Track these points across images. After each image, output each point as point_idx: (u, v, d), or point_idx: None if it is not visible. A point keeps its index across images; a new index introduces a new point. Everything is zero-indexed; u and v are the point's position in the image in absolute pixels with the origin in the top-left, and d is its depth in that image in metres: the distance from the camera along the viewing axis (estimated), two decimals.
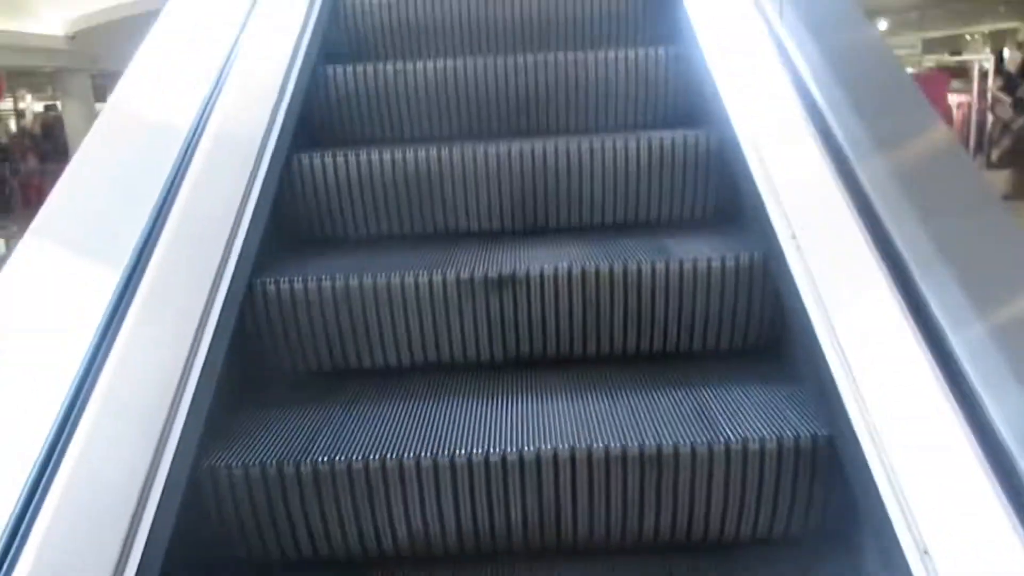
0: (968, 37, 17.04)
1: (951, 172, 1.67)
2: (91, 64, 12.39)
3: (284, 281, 1.83)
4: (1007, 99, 9.57)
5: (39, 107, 18.38)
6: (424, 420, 1.61)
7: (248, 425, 1.65)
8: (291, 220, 2.22)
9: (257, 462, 1.48)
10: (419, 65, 2.50)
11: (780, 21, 2.15)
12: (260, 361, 1.88)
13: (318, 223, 2.23)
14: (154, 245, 1.63)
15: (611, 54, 2.49)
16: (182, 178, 1.82)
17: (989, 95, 10.09)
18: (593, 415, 1.59)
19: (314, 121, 2.52)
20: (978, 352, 1.25)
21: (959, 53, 16.34)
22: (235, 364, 1.78)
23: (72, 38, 10.57)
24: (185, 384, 1.50)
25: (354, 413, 1.67)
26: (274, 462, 1.47)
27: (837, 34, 2.06)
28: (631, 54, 2.49)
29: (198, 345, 1.58)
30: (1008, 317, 1.32)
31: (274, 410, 1.71)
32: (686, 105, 2.51)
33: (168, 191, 1.75)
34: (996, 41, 15.58)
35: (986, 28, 16.00)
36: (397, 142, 2.49)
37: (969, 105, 10.40)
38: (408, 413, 1.64)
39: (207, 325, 1.64)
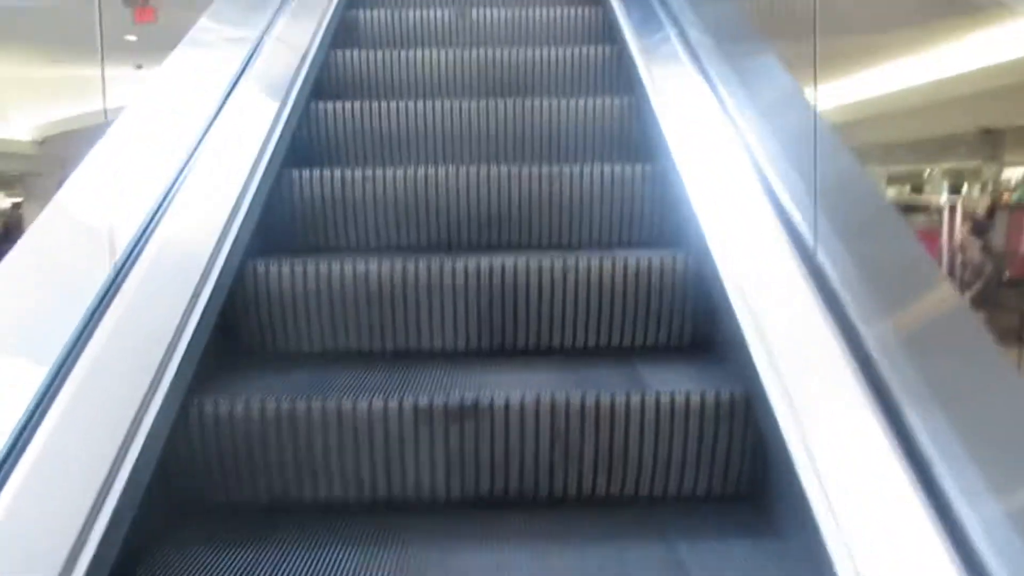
0: (927, 172, 17.71)
1: (940, 304, 1.60)
2: (60, 169, 12.32)
3: (223, 402, 1.66)
4: (977, 242, 9.60)
5: (7, 203, 18.22)
6: (368, 573, 1.42)
7: (163, 564, 1.45)
8: (239, 332, 2.07)
9: None
10: (388, 172, 2.42)
11: (758, 143, 2.12)
12: (189, 491, 1.69)
13: (270, 336, 2.08)
14: (78, 354, 1.47)
15: (586, 169, 2.42)
16: (122, 279, 1.68)
17: (958, 237, 10.18)
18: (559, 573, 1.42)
19: (272, 226, 2.40)
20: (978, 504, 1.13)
21: (920, 189, 16.97)
22: (160, 494, 1.59)
23: (40, 143, 10.59)
24: (96, 516, 1.32)
25: (285, 561, 1.47)
26: None
27: (823, 165, 2.01)
28: (607, 170, 2.43)
29: (118, 469, 1.40)
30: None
31: (197, 550, 1.51)
32: (662, 225, 2.44)
33: (103, 296, 1.61)
34: (954, 177, 16.18)
35: (947, 165, 16.64)
36: (361, 251, 2.38)
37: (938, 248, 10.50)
38: (347, 564, 1.45)
39: (130, 448, 1.45)
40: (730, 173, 2.13)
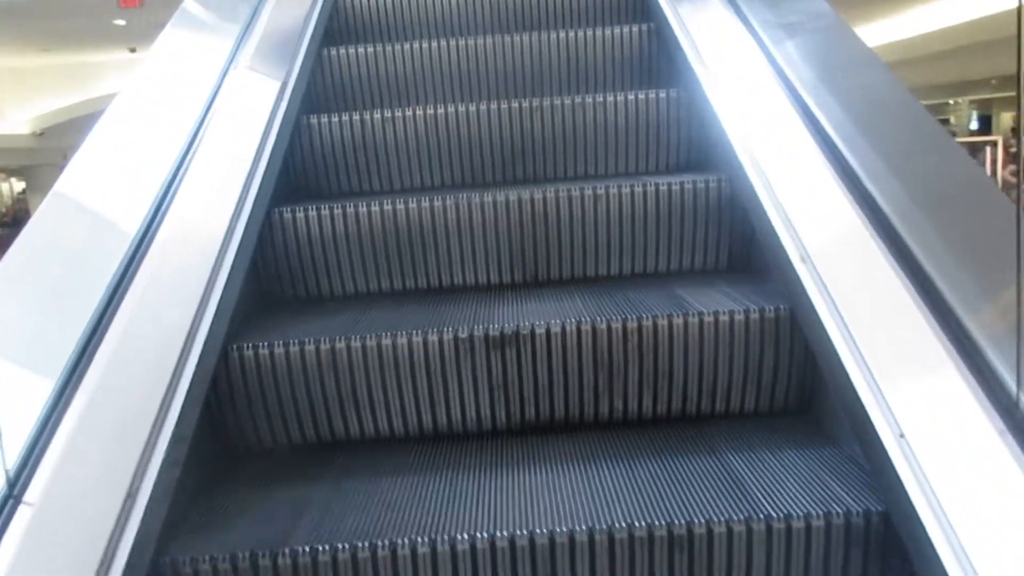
0: (951, 102, 17.27)
1: (991, 210, 1.53)
2: (62, 159, 12.26)
3: (263, 346, 1.65)
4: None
5: (20, 186, 18.30)
6: (419, 499, 1.42)
7: (223, 506, 1.46)
8: (271, 279, 2.06)
9: (227, 556, 1.28)
10: (408, 113, 2.37)
11: (787, 64, 2.04)
12: (237, 434, 1.69)
13: (301, 282, 2.07)
14: (119, 303, 1.46)
15: (610, 97, 2.37)
16: (154, 232, 1.66)
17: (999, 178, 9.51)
18: (611, 489, 1.40)
19: (295, 174, 2.37)
20: None
21: (946, 121, 16.44)
22: (209, 437, 1.60)
23: (40, 135, 10.49)
24: (149, 458, 1.32)
25: (340, 493, 1.47)
26: (247, 554, 1.28)
27: (850, 77, 1.94)
28: (631, 97, 2.37)
29: (164, 415, 1.40)
30: None
31: (251, 489, 1.52)
32: (691, 151, 2.39)
33: (136, 248, 1.59)
34: (982, 107, 15.71)
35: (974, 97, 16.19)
36: (385, 194, 2.35)
37: None
38: (401, 491, 1.45)
39: (175, 394, 1.45)
40: (761, 94, 2.06)
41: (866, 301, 1.48)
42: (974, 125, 17.17)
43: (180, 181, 1.81)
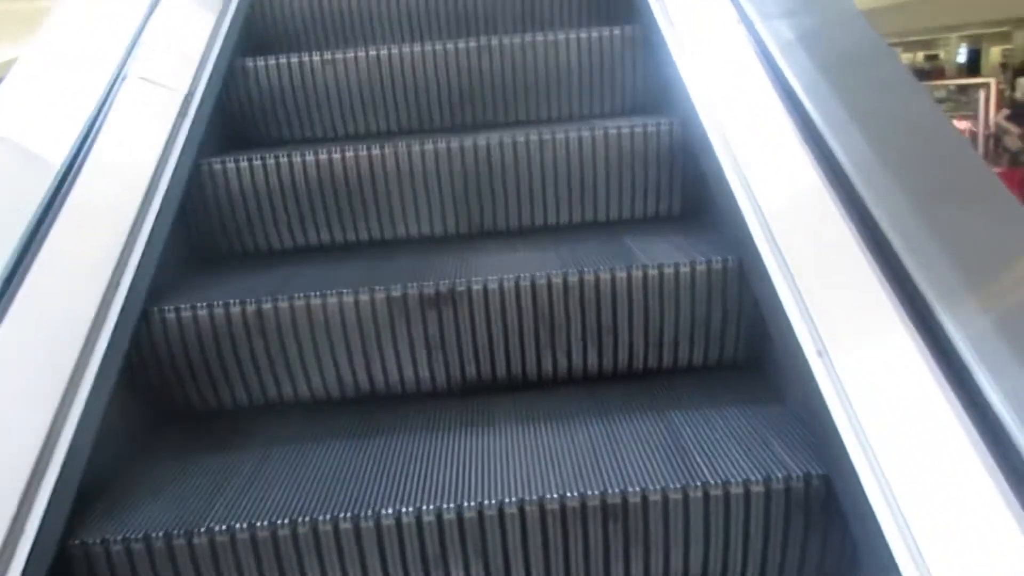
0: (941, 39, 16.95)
1: (950, 158, 1.45)
2: None
3: (186, 308, 1.56)
4: (1016, 130, 8.53)
5: None
6: (345, 469, 1.36)
7: (132, 479, 1.39)
8: (202, 235, 1.96)
9: (139, 536, 1.21)
10: (349, 55, 2.24)
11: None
12: (156, 398, 1.61)
13: (236, 237, 1.97)
14: (30, 262, 1.36)
15: (560, 36, 2.25)
16: (70, 183, 1.55)
17: (992, 123, 8.97)
18: (548, 454, 1.35)
19: (229, 121, 2.25)
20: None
21: (935, 56, 16.04)
22: (125, 403, 1.51)
23: None
24: (56, 439, 1.24)
25: (264, 463, 1.41)
26: (160, 533, 1.21)
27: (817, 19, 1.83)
28: (583, 36, 2.25)
29: (77, 382, 1.32)
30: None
31: (169, 462, 1.45)
32: (646, 92, 2.28)
33: (50, 201, 1.48)
34: (972, 41, 15.37)
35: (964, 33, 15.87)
36: (323, 142, 2.23)
37: (971, 133, 9.04)
38: (326, 461, 1.39)
39: (90, 360, 1.37)
40: (718, 32, 1.96)
41: (815, 254, 1.41)
42: (962, 59, 16.88)
43: (98, 130, 1.69)
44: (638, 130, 1.92)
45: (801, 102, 1.53)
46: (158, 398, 1.61)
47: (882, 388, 1.14)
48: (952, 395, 1.01)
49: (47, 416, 1.24)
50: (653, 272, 1.57)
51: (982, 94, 8.94)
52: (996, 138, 8.64)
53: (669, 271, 1.57)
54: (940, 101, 9.82)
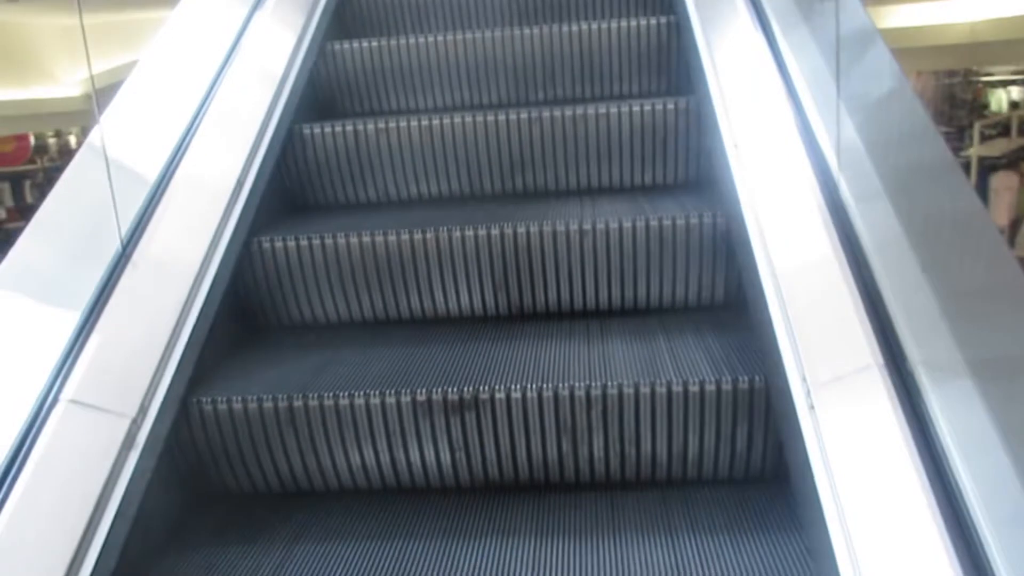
0: None
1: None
2: None
3: (222, 401, 1.64)
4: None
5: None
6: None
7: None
8: (248, 308, 2.04)
9: None
10: (403, 123, 2.28)
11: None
12: (197, 482, 1.70)
13: (281, 310, 2.04)
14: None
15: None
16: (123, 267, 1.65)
17: None
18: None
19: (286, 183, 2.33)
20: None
21: None
22: (173, 483, 1.60)
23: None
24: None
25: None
26: None
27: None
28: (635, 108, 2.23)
29: (123, 461, 1.42)
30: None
31: (203, 546, 1.52)
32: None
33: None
34: None
35: None
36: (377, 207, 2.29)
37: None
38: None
39: (133, 447, 1.46)
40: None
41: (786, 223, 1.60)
42: None
43: (151, 214, 1.79)
44: (680, 222, 1.90)
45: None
46: (203, 484, 1.69)
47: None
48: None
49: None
50: (678, 389, 1.56)
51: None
52: None
53: (695, 389, 1.56)
54: None
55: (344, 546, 1.51)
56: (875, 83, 1.67)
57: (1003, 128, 8.20)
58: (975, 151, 7.57)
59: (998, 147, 7.57)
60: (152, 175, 1.86)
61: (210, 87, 2.17)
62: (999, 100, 9.38)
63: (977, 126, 7.94)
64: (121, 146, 1.86)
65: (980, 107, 9.49)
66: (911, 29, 7.68)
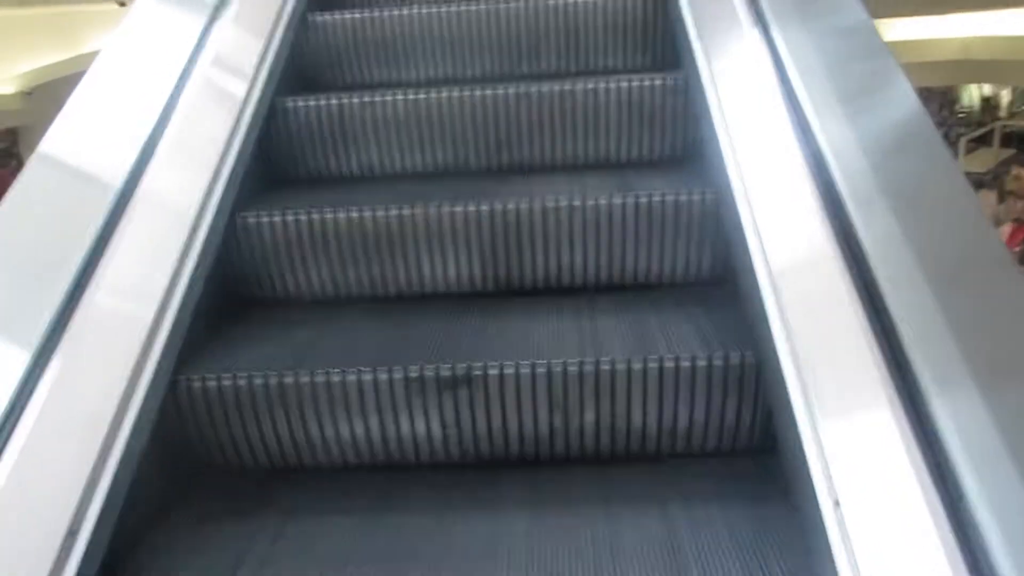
0: None
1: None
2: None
3: (211, 378, 1.62)
4: None
5: None
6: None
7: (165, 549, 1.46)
8: (234, 282, 2.02)
9: None
10: (387, 97, 2.25)
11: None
12: (186, 460, 1.68)
13: (267, 285, 2.02)
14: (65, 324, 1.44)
15: (601, 85, 2.22)
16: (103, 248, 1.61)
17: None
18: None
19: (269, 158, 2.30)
20: None
21: None
22: (161, 465, 1.58)
23: (28, 94, 9.74)
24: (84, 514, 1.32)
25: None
26: None
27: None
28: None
29: (111, 444, 1.40)
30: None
31: (194, 523, 1.52)
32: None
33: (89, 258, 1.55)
34: None
35: None
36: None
37: None
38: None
39: (121, 427, 1.44)
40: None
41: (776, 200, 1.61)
42: None
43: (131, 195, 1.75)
44: (670, 199, 1.90)
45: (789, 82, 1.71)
46: (187, 459, 1.68)
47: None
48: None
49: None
50: (669, 365, 1.57)
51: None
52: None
53: (686, 364, 1.57)
54: None
55: (336, 522, 1.51)
56: (861, 59, 1.68)
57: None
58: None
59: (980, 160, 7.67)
60: (131, 152, 1.82)
61: (188, 61, 2.12)
62: (971, 95, 9.96)
63: (963, 141, 8.12)
64: (96, 123, 1.82)
65: (950, 102, 9.99)
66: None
